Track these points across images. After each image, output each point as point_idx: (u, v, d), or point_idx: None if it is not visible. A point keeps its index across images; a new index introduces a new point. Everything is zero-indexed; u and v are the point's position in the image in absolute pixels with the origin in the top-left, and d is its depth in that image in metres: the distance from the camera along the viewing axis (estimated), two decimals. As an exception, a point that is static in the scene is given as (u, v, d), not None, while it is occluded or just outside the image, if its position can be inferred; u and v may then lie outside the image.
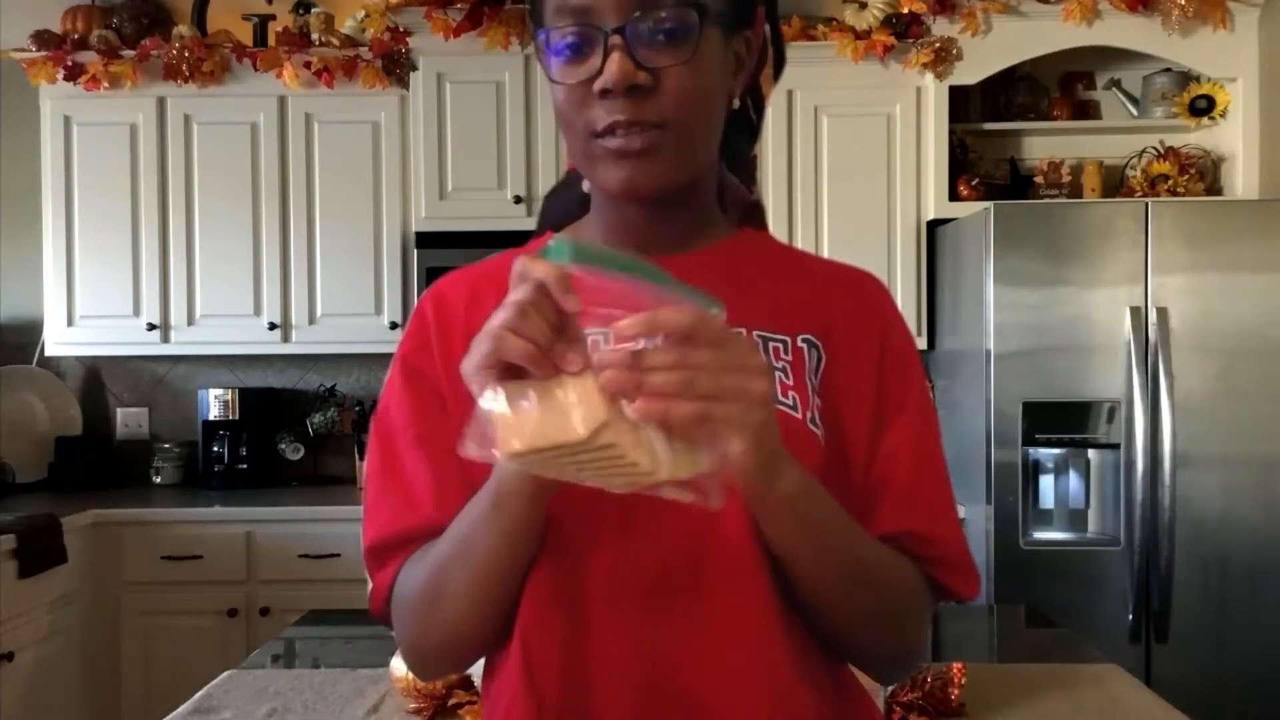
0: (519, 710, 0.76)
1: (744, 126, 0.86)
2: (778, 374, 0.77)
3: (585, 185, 0.84)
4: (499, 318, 0.59)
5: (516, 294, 0.59)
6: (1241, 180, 3.22)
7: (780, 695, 0.75)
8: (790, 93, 3.27)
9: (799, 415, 0.77)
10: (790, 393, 0.77)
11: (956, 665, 1.46)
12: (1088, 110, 3.48)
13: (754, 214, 0.88)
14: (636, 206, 0.78)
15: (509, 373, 0.60)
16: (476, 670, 1.46)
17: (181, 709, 1.49)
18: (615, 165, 0.74)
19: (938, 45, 3.16)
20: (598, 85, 0.71)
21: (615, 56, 0.70)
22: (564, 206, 0.88)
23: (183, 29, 3.32)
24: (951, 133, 3.24)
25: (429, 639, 0.79)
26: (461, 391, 0.65)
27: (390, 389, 0.84)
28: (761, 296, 0.80)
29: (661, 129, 0.72)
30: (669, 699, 0.74)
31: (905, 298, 3.26)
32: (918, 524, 0.81)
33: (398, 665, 1.45)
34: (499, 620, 0.77)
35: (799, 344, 0.79)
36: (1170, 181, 3.21)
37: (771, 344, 0.78)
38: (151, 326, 3.32)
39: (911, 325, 3.27)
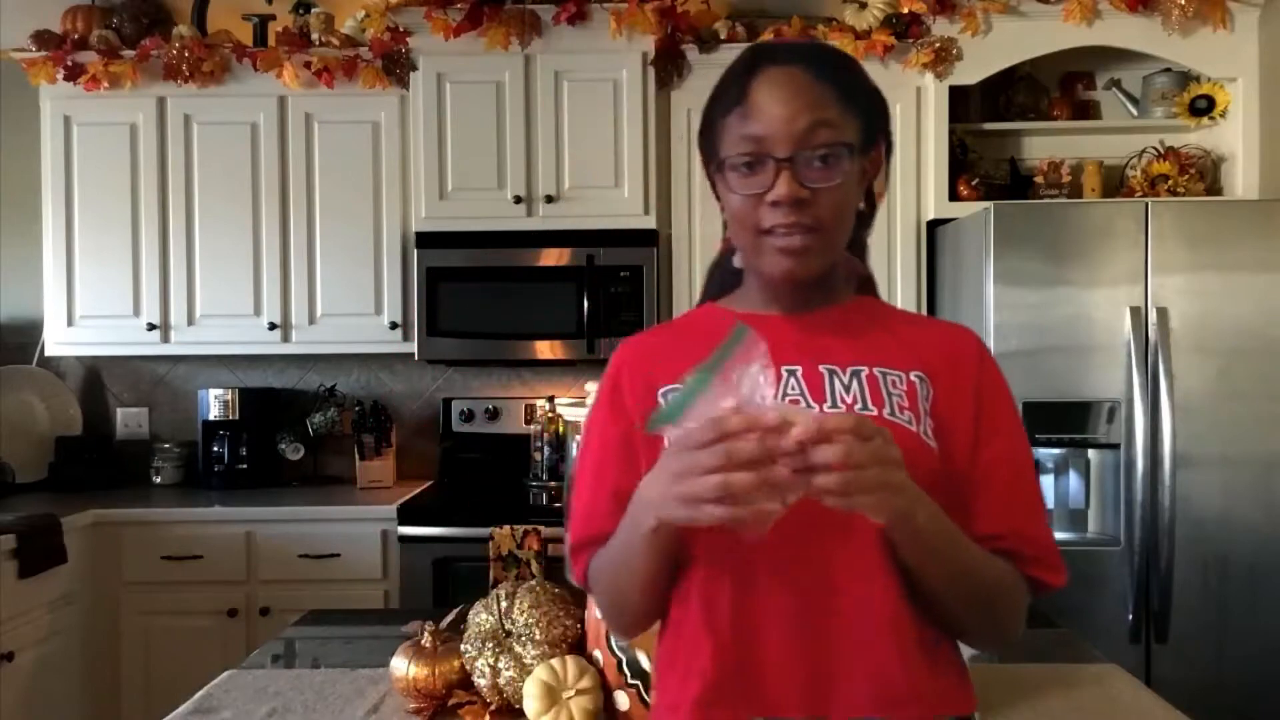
0: (703, 647, 0.97)
1: (862, 219, 1.07)
2: (896, 398, 0.98)
3: (736, 260, 1.08)
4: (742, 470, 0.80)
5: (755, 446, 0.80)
6: (1241, 180, 3.22)
7: (902, 649, 0.95)
8: (790, 93, 3.27)
9: (914, 429, 0.97)
10: (906, 411, 0.98)
11: (956, 665, 1.45)
12: (1088, 110, 3.48)
13: (867, 284, 1.11)
14: (789, 285, 1.01)
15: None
16: (476, 670, 1.45)
17: (181, 709, 1.49)
18: (780, 257, 0.97)
19: (938, 45, 3.16)
20: (770, 197, 0.94)
21: (785, 176, 0.94)
22: (722, 278, 1.12)
23: (183, 29, 3.32)
24: (951, 133, 3.25)
25: (619, 619, 1.07)
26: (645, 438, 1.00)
27: (598, 411, 1.10)
28: (878, 343, 1.02)
29: (816, 232, 0.96)
30: (815, 647, 0.94)
31: (905, 298, 3.26)
32: (1016, 524, 1.01)
33: (398, 665, 1.45)
34: (663, 600, 1.03)
35: (912, 378, 1.00)
36: (1170, 181, 3.21)
37: (890, 377, 1.00)
38: (151, 326, 3.32)
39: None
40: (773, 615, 0.95)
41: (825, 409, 0.96)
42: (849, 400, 0.97)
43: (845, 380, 0.99)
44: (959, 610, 0.97)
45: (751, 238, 0.97)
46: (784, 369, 0.99)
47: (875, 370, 0.99)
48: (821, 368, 1.00)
